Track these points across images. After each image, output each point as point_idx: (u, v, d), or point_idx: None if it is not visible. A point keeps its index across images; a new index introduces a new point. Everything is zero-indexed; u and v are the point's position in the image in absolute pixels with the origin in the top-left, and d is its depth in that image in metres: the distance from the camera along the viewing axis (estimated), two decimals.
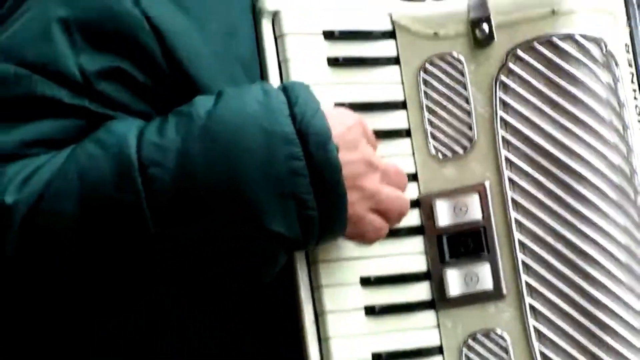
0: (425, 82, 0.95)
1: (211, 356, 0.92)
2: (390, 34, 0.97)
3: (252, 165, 0.85)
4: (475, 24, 0.93)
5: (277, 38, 0.92)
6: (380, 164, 0.91)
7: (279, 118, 0.85)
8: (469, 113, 0.95)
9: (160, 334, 0.91)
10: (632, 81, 0.97)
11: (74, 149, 0.87)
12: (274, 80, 0.93)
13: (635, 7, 0.99)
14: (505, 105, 0.93)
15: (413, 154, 0.98)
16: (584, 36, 0.90)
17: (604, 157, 0.90)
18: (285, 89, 0.88)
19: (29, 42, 0.90)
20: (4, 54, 0.91)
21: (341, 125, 0.89)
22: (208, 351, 0.92)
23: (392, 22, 0.97)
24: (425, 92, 0.95)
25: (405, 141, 0.97)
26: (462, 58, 0.94)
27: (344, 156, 0.86)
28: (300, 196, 0.85)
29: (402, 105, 0.97)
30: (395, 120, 0.97)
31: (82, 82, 0.87)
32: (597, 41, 0.91)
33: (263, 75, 0.94)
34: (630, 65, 0.97)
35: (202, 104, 0.86)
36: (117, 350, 0.92)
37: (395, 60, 0.98)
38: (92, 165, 0.86)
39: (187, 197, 0.85)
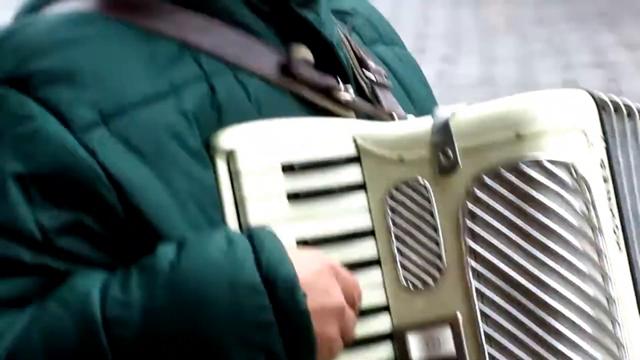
0: (392, 209, 0.93)
1: None
2: (355, 159, 0.95)
3: (219, 317, 0.84)
4: (439, 148, 0.91)
5: (233, 176, 0.90)
6: (347, 305, 0.89)
7: (244, 268, 0.84)
8: (437, 242, 0.92)
9: None
10: (608, 198, 0.94)
11: (36, 311, 0.86)
12: (231, 220, 0.90)
13: (614, 118, 0.96)
14: (473, 234, 0.90)
15: (384, 284, 0.95)
16: (551, 161, 0.87)
17: (577, 288, 0.87)
18: (250, 235, 0.87)
19: None
20: None
21: (309, 270, 0.87)
22: None
23: (357, 147, 0.95)
24: (392, 220, 0.93)
25: (376, 271, 0.94)
26: (427, 184, 0.92)
27: (312, 303, 0.85)
28: (269, 347, 0.84)
29: (371, 233, 0.95)
30: (363, 250, 0.94)
31: (42, 240, 0.86)
32: (566, 165, 0.88)
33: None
34: (605, 181, 0.93)
35: (165, 255, 0.84)
36: None
37: (361, 187, 0.95)
38: (56, 326, 0.84)
39: (153, 351, 0.84)
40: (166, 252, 0.84)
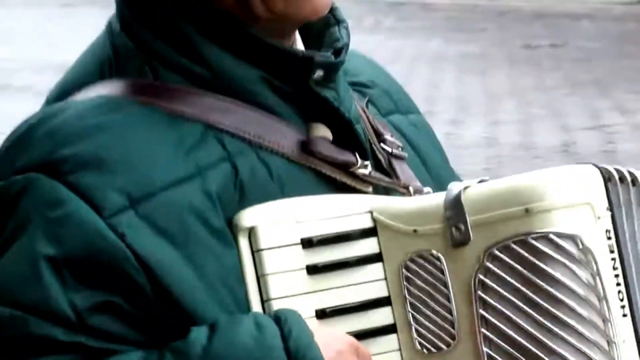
0: (408, 279, 0.96)
1: None
2: (372, 232, 0.99)
3: None
4: (451, 223, 0.95)
5: (255, 253, 0.94)
6: None
7: (273, 353, 0.87)
8: (450, 311, 0.96)
9: None
10: (614, 267, 0.96)
11: None
12: (254, 296, 0.94)
13: (619, 188, 0.99)
14: (485, 304, 0.93)
15: (400, 349, 0.98)
16: (558, 234, 0.90)
17: (584, 354, 0.90)
18: (278, 319, 0.90)
19: (19, 281, 0.92)
20: None
21: (333, 351, 0.91)
22: None
23: (374, 220, 0.99)
24: (408, 289, 0.96)
25: (392, 337, 0.98)
26: (440, 256, 0.95)
27: None
28: None
29: (387, 301, 0.98)
30: (381, 317, 0.98)
31: (76, 319, 0.89)
32: (573, 238, 0.90)
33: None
34: (611, 251, 0.96)
35: (197, 339, 0.88)
36: None
37: (378, 258, 0.99)
38: None
39: None
40: (198, 336, 0.88)
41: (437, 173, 1.21)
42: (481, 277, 0.93)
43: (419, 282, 0.97)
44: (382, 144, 1.12)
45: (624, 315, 0.96)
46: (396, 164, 1.12)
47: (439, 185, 1.13)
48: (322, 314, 0.97)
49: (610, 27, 16.52)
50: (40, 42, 15.39)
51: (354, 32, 1.23)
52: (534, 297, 0.91)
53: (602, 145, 9.62)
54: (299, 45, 1.10)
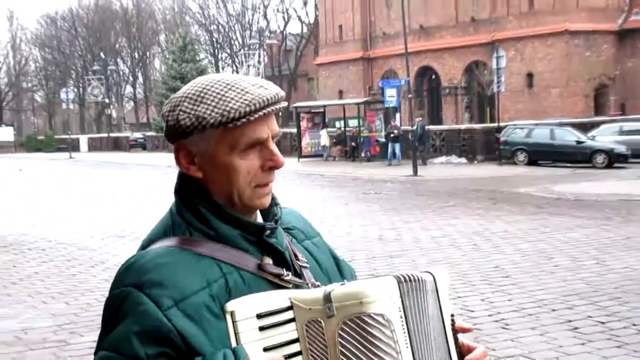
0: (307, 331, 1.34)
1: None
2: (290, 308, 1.36)
3: None
4: (326, 305, 1.31)
5: (233, 323, 1.33)
6: None
7: None
8: (326, 351, 1.33)
9: None
10: (403, 329, 1.30)
11: None
12: (234, 343, 1.33)
13: (406, 286, 1.31)
14: (342, 346, 1.30)
15: None
16: (375, 313, 1.27)
17: None
18: (234, 351, 1.29)
19: (120, 343, 1.31)
20: (112, 347, 1.31)
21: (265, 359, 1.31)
22: None
23: (291, 302, 1.37)
24: (307, 337, 1.35)
25: (299, 358, 1.35)
26: (322, 322, 1.31)
27: None
28: None
29: (297, 340, 1.36)
30: (293, 349, 1.36)
31: (174, 351, 1.29)
32: (382, 315, 1.27)
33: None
34: (402, 320, 1.31)
35: None
36: None
37: (293, 320, 1.36)
38: None
39: None
40: None
41: (328, 273, 1.57)
42: (340, 332, 1.29)
43: (312, 334, 1.34)
44: (297, 261, 1.49)
45: (407, 348, 1.29)
46: (303, 271, 1.49)
47: (330, 281, 1.49)
48: (266, 350, 1.33)
49: None
50: None
51: None
52: (365, 344, 1.28)
53: None
54: (259, 217, 1.48)
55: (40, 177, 35.28)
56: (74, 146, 62.08)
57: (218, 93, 1.35)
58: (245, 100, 1.34)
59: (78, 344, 6.87)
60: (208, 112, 1.34)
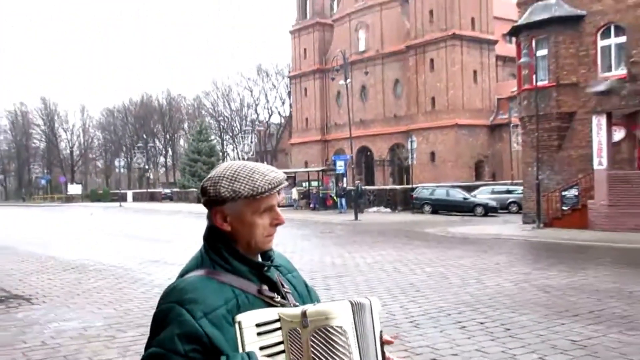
0: (289, 337, 1.28)
1: None
2: (277, 320, 1.30)
3: None
4: (302, 318, 1.25)
5: (240, 330, 1.27)
6: None
7: None
8: (301, 352, 1.24)
9: None
10: (356, 340, 1.23)
11: None
12: (240, 346, 1.25)
13: (357, 308, 1.23)
14: (314, 348, 1.22)
15: None
16: (337, 326, 1.22)
17: None
18: (248, 354, 1.23)
19: (165, 343, 1.25)
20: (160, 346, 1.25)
21: None
22: None
23: (279, 315, 1.31)
24: (289, 340, 1.28)
25: (283, 356, 1.26)
26: (299, 330, 1.26)
27: None
28: None
29: (282, 343, 1.28)
30: (279, 349, 1.28)
31: (184, 353, 1.23)
32: (341, 327, 1.23)
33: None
34: (354, 331, 1.23)
35: None
36: None
37: (279, 329, 1.29)
38: None
39: None
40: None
41: (302, 297, 1.49)
42: (311, 338, 1.24)
43: (293, 339, 1.27)
44: (283, 288, 1.43)
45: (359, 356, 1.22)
46: (287, 295, 1.42)
47: (304, 303, 1.43)
48: (261, 348, 1.27)
49: None
50: None
51: None
52: (329, 347, 1.22)
53: None
54: (259, 258, 1.43)
55: (99, 219, 34.53)
56: (122, 198, 61.43)
57: (247, 175, 1.34)
58: (267, 180, 1.34)
59: (122, 338, 6.70)
60: (242, 188, 1.33)
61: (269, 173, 1.35)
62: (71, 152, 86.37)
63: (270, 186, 1.33)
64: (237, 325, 1.26)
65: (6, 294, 9.79)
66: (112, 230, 24.44)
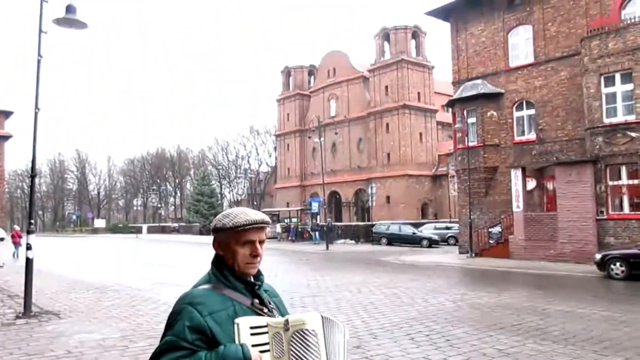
0: (274, 339, 1.27)
1: None
2: (265, 326, 1.25)
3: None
4: (285, 324, 1.26)
5: (238, 329, 1.26)
6: None
7: (239, 355, 1.21)
8: (283, 348, 1.21)
9: None
10: (325, 344, 1.21)
11: None
12: (237, 340, 1.24)
13: (325, 321, 1.21)
14: (291, 346, 1.21)
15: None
16: (311, 329, 1.20)
17: None
18: (242, 346, 1.22)
19: (177, 333, 1.25)
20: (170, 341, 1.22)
21: (256, 356, 1.21)
22: None
23: (267, 323, 1.26)
24: (274, 342, 1.26)
25: (268, 354, 1.24)
26: (282, 333, 1.26)
27: None
28: None
29: (267, 344, 1.25)
30: (265, 347, 1.25)
31: (191, 341, 1.22)
32: (314, 329, 1.21)
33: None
34: (324, 336, 1.21)
35: (220, 348, 1.21)
36: None
37: (266, 332, 1.25)
38: None
39: None
40: (220, 348, 1.21)
41: (284, 312, 1.49)
42: (290, 338, 1.23)
43: (277, 340, 1.27)
44: (270, 304, 1.44)
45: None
46: (273, 310, 1.43)
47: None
48: (253, 346, 1.25)
49: None
50: None
51: None
52: (304, 346, 1.21)
53: None
54: (252, 278, 1.42)
55: (116, 247, 33.48)
56: (139, 230, 60.37)
57: (235, 214, 1.38)
58: (247, 219, 1.37)
59: (134, 348, 6.49)
60: (228, 222, 1.37)
61: (251, 215, 1.37)
62: (98, 193, 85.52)
63: (247, 222, 1.34)
64: (235, 325, 1.27)
65: (39, 309, 9.43)
66: (128, 256, 24.39)
